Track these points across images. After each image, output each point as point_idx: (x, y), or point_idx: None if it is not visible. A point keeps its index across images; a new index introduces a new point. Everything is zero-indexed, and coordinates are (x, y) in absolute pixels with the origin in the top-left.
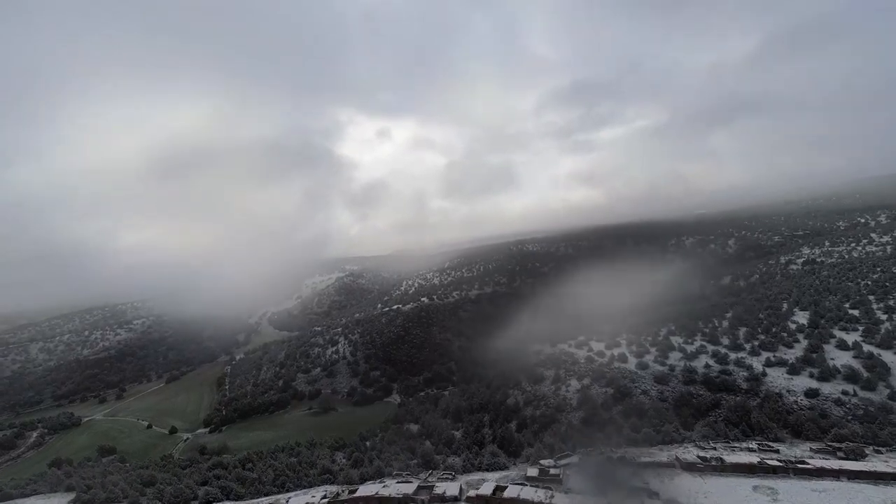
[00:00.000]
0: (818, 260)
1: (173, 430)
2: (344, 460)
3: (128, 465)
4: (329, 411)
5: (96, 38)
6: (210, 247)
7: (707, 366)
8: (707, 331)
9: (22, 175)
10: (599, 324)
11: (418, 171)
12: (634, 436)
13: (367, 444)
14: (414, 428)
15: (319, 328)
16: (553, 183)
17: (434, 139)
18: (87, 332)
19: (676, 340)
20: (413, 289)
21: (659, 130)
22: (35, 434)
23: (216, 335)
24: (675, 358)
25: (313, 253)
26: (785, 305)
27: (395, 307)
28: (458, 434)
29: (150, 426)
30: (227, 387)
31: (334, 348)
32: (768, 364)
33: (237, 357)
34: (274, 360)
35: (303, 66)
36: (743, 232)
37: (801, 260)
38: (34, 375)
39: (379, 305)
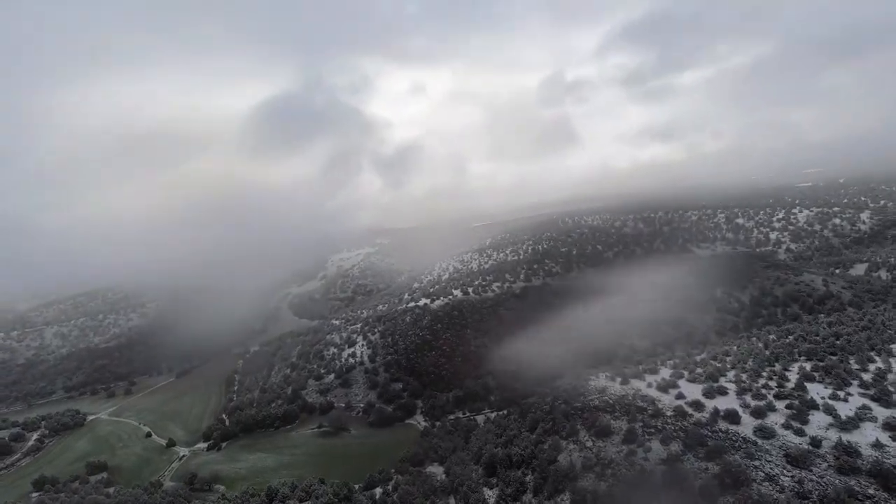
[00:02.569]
0: None
1: (171, 444)
2: None
3: (112, 490)
4: (340, 432)
5: None
6: (226, 223)
7: (878, 444)
8: (868, 377)
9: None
10: (690, 342)
11: (457, 129)
12: None
13: (377, 494)
14: (437, 472)
15: (338, 321)
16: (619, 139)
17: (475, 91)
18: (101, 316)
19: (818, 391)
20: (447, 274)
21: (758, 69)
22: (35, 436)
23: (231, 322)
24: (819, 423)
25: (341, 224)
26: None
27: (421, 302)
28: (491, 497)
29: (149, 434)
30: (235, 388)
31: (351, 350)
32: None
33: (251, 350)
34: (286, 359)
35: (320, 6)
36: (882, 202)
37: None
38: (47, 364)
39: (405, 296)
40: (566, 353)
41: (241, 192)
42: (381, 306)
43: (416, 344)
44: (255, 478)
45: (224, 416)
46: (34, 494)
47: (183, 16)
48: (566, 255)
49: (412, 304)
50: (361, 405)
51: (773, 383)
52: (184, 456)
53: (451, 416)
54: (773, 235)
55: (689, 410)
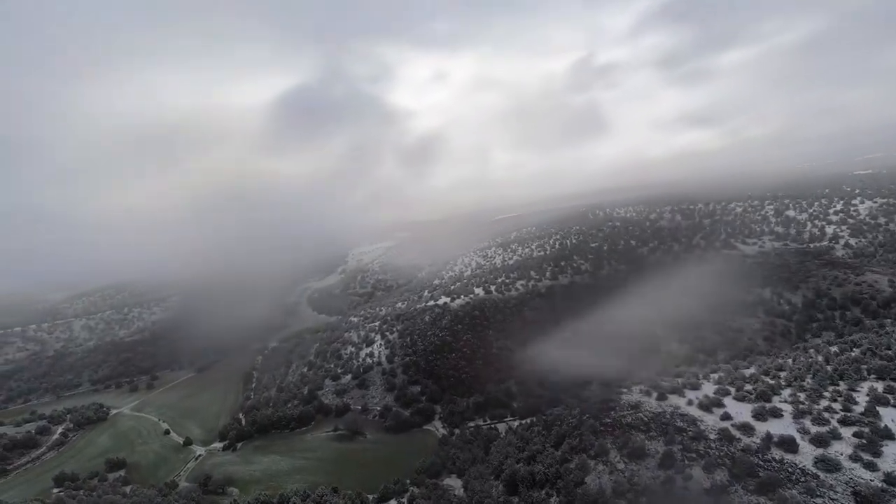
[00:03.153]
0: None
1: (188, 442)
2: None
3: (129, 489)
4: (356, 436)
5: None
6: (246, 217)
7: None
8: None
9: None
10: (734, 348)
11: (481, 118)
12: None
13: None
14: (455, 486)
15: (356, 319)
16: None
17: (500, 77)
18: (126, 309)
19: (893, 417)
20: (469, 270)
21: (809, 47)
22: (60, 429)
23: (251, 317)
24: (894, 457)
25: (362, 218)
26: None
27: (441, 301)
28: None
29: (167, 432)
30: (252, 385)
31: (369, 349)
32: None
33: (270, 346)
34: (304, 357)
35: None
36: None
37: None
38: (75, 356)
39: (425, 293)
40: (595, 359)
41: (260, 186)
42: (400, 304)
43: (436, 345)
44: (268, 481)
45: (241, 415)
46: (55, 490)
47: (202, 6)
48: (596, 251)
49: (432, 302)
50: (378, 408)
51: (837, 406)
52: (200, 456)
53: (471, 424)
54: (829, 229)
55: (737, 434)
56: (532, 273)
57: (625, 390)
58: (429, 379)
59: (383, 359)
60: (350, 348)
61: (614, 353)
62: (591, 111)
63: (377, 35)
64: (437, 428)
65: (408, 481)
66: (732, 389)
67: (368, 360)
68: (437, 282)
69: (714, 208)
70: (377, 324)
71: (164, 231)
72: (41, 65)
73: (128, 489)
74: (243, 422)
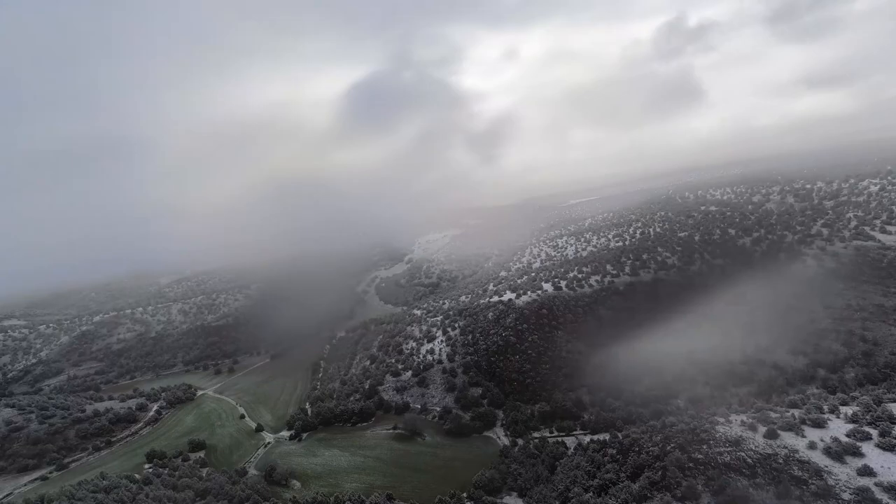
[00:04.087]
0: None
1: (259, 428)
2: None
3: (205, 472)
4: (415, 437)
5: None
6: (319, 207)
7: None
8: None
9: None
10: (869, 364)
11: (556, 96)
12: None
13: None
14: None
15: (419, 312)
16: (761, 90)
17: (576, 49)
18: (214, 295)
19: None
20: (538, 262)
21: None
22: (155, 407)
23: (322, 305)
24: None
25: (430, 205)
26: None
27: (506, 297)
28: None
29: (242, 416)
30: (319, 375)
31: (430, 346)
32: None
33: (337, 335)
34: (367, 349)
35: None
36: None
37: None
38: (171, 338)
39: (490, 287)
40: (683, 369)
41: (333, 176)
42: (463, 297)
43: (499, 345)
44: (327, 477)
45: (307, 405)
46: (146, 466)
47: (269, 4)
48: (685, 242)
49: (496, 298)
50: (437, 409)
51: None
52: (269, 443)
53: (536, 434)
54: None
55: (884, 498)
56: (608, 267)
57: (720, 419)
58: (491, 381)
59: (444, 357)
60: (411, 343)
61: (705, 366)
62: (682, 79)
63: (443, 17)
64: (499, 436)
65: (464, 495)
66: (874, 433)
67: (429, 358)
68: (503, 274)
69: (839, 187)
70: (439, 318)
71: (248, 220)
72: (149, 70)
73: (204, 472)
74: (309, 412)
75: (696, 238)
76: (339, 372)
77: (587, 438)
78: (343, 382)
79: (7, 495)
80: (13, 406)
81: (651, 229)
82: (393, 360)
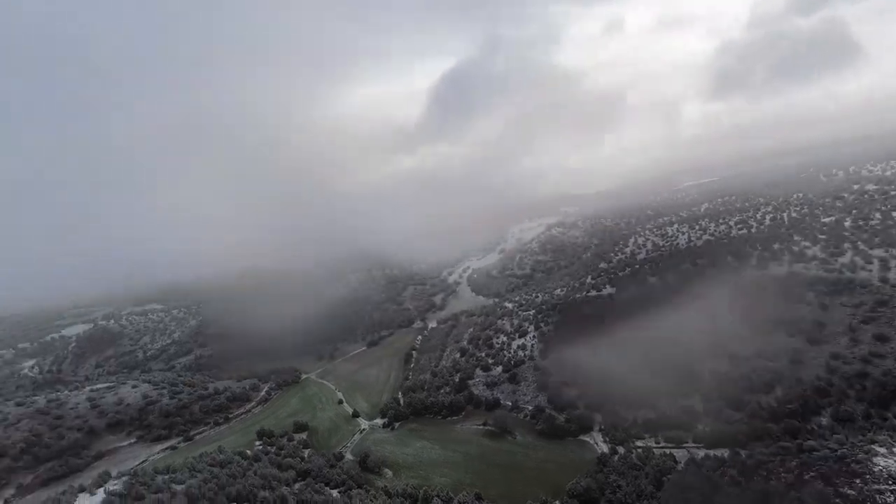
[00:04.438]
0: None
1: (355, 414)
2: None
3: (307, 452)
4: (505, 435)
5: None
6: (421, 200)
7: None
8: None
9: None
10: None
11: (666, 67)
12: None
13: None
14: None
15: (511, 305)
16: None
17: (691, 12)
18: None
19: None
20: (643, 252)
21: None
22: (266, 388)
23: (416, 295)
24: None
25: (526, 192)
26: None
27: (605, 291)
28: None
29: (340, 402)
30: (412, 365)
31: (521, 341)
32: None
33: (430, 325)
34: (458, 341)
35: None
36: None
37: None
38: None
39: (588, 279)
40: (827, 379)
41: (431, 167)
42: (558, 290)
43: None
44: (417, 468)
45: (399, 394)
46: (257, 443)
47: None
48: (832, 230)
49: (594, 292)
50: (529, 407)
51: None
52: (364, 430)
53: (639, 444)
54: None
55: None
56: (729, 258)
57: (881, 449)
58: (587, 382)
59: (536, 353)
60: (502, 337)
61: (859, 378)
62: (827, 35)
63: None
64: (597, 441)
65: (557, 503)
66: None
67: (520, 353)
68: (602, 265)
69: None
70: (532, 312)
71: (371, 208)
72: (289, 74)
73: (306, 453)
74: (401, 402)
75: (847, 223)
76: (430, 363)
77: (701, 453)
78: (434, 374)
79: (142, 462)
80: (149, 382)
81: (784, 214)
82: (483, 354)
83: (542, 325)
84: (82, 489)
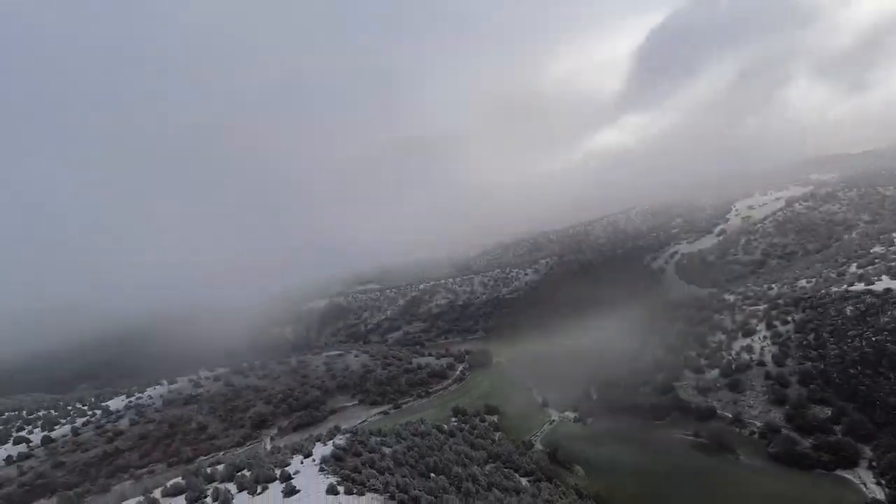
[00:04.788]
0: None
1: (545, 404)
2: None
3: (497, 436)
4: (723, 452)
5: None
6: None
7: None
8: None
9: None
10: None
11: None
12: None
13: None
14: None
15: (732, 297)
16: None
17: None
18: (508, 269)
19: None
20: None
21: None
22: (461, 368)
23: (615, 279)
24: None
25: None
26: None
27: (880, 285)
28: None
29: (530, 389)
30: (606, 358)
31: (746, 342)
32: None
33: (627, 316)
34: (662, 336)
35: None
36: None
37: None
38: (474, 307)
39: (852, 267)
40: None
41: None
42: (803, 281)
43: (864, 353)
44: (611, 473)
45: (592, 388)
46: (452, 419)
47: None
48: None
49: (861, 285)
50: (758, 423)
51: None
52: (553, 421)
53: None
54: None
55: None
56: None
57: None
58: (848, 401)
59: (768, 357)
60: (719, 335)
61: None
62: None
63: None
64: (864, 481)
65: None
66: None
67: (745, 356)
68: (877, 249)
69: None
70: (762, 307)
71: (552, 189)
72: (432, 61)
73: (497, 436)
74: (594, 396)
75: None
76: (627, 357)
77: None
78: (632, 371)
79: (362, 422)
80: (367, 353)
81: None
82: (693, 354)
83: (777, 323)
84: (318, 439)
